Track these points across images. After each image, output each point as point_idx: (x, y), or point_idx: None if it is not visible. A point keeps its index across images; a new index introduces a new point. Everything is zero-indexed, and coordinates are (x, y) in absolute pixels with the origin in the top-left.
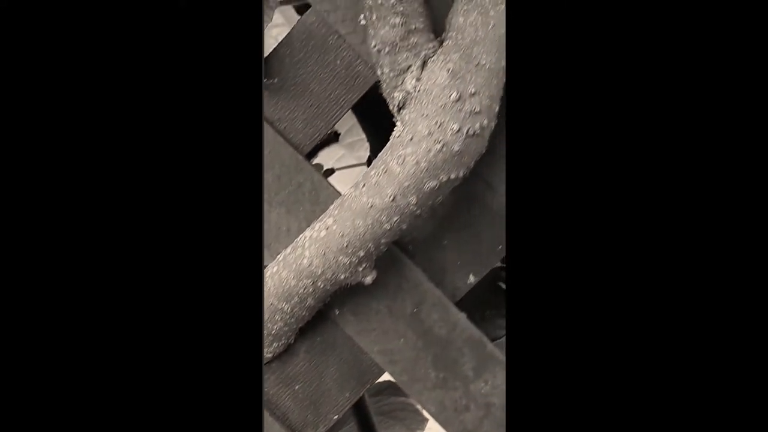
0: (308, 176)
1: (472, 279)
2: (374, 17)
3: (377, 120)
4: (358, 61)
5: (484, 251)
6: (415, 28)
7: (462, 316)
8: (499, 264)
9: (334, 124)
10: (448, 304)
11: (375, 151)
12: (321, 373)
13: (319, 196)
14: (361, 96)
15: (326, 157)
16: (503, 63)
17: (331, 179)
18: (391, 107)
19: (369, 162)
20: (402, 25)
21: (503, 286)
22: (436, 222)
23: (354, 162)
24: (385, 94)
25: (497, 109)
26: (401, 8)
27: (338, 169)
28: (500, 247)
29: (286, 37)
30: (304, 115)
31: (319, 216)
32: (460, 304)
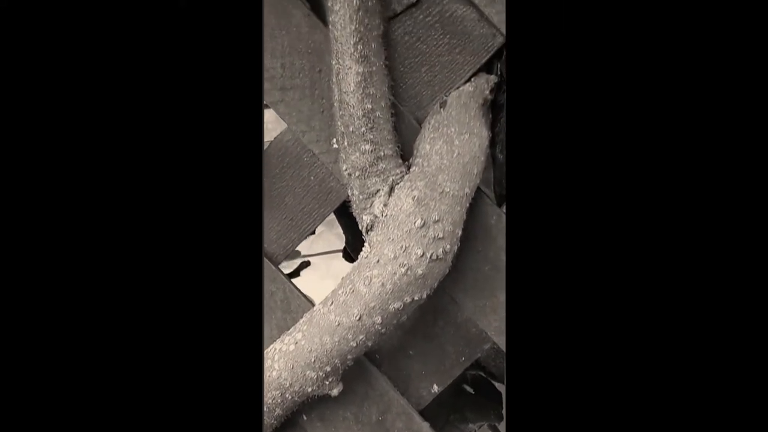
0: (280, 286)
1: (436, 389)
2: (346, 143)
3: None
4: (331, 177)
5: (449, 362)
6: (384, 155)
7: (425, 425)
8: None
9: (306, 236)
10: (413, 412)
11: (350, 244)
12: None
13: (291, 305)
14: (333, 210)
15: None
16: (466, 190)
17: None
18: (360, 227)
19: (344, 252)
20: (372, 152)
21: (468, 388)
22: (402, 333)
23: (329, 249)
24: (355, 214)
25: (459, 233)
26: (371, 136)
27: (314, 255)
28: (463, 359)
29: (263, 152)
30: (279, 226)
31: (290, 324)
32: (424, 413)
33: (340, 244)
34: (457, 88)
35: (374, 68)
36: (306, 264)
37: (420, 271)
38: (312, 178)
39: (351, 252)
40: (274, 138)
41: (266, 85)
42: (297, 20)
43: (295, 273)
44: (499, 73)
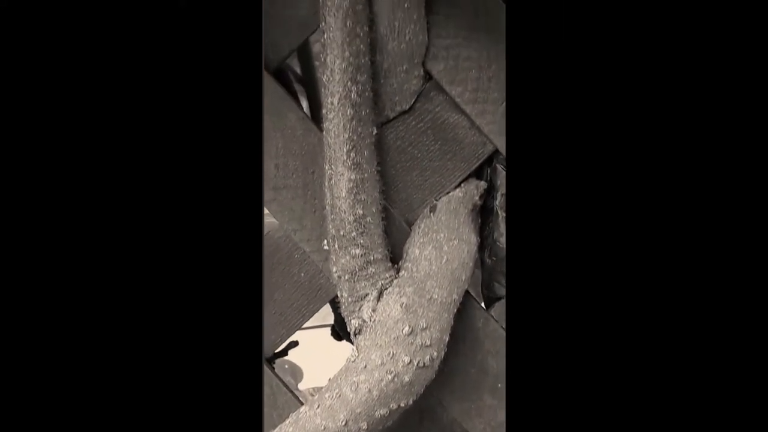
0: (268, 381)
1: None
2: (336, 246)
3: None
4: (321, 275)
5: None
6: (373, 259)
7: None
8: None
9: (296, 331)
10: None
11: (338, 324)
12: None
13: (277, 400)
14: (322, 306)
15: None
16: (454, 296)
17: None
18: (348, 330)
19: (332, 330)
20: (362, 256)
21: None
22: (388, 431)
23: (318, 323)
24: (344, 316)
25: (447, 339)
26: (362, 241)
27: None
28: None
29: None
30: (268, 321)
31: (277, 421)
32: None
33: (330, 316)
34: (448, 193)
35: (366, 175)
36: (294, 344)
37: (407, 378)
38: (302, 274)
39: (339, 331)
40: (266, 234)
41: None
42: (292, 123)
43: (283, 353)
44: (488, 179)
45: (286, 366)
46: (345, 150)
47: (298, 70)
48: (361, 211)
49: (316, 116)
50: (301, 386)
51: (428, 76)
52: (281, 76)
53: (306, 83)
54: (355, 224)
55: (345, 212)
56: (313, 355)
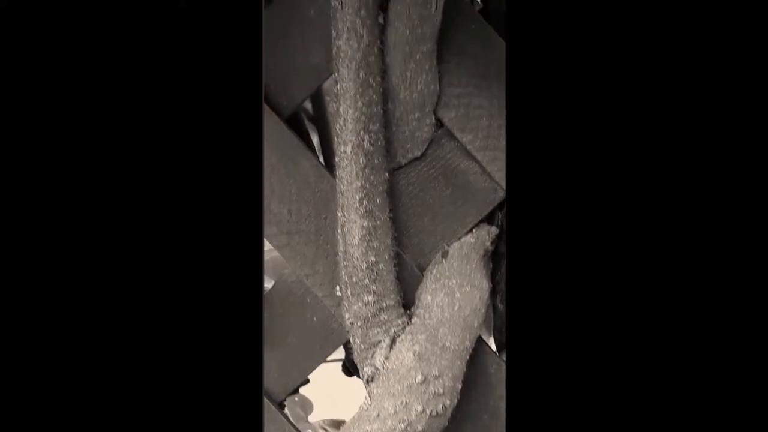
0: (280, 427)
1: None
2: (349, 292)
3: None
4: (333, 319)
5: None
6: (386, 306)
7: None
8: None
9: (308, 375)
10: None
11: (349, 360)
12: None
13: None
14: (335, 350)
15: None
16: (467, 343)
17: None
18: (361, 377)
19: (344, 366)
20: (374, 303)
21: None
22: None
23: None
24: (356, 362)
25: (459, 386)
26: (374, 288)
27: None
28: None
29: (267, 293)
30: (280, 365)
31: None
32: None
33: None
34: (459, 238)
35: (379, 222)
36: (305, 381)
37: (420, 428)
38: (315, 319)
39: (350, 367)
40: (279, 278)
41: (273, 229)
42: (305, 169)
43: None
44: (500, 224)
45: (296, 398)
46: (358, 198)
47: (310, 108)
48: (373, 258)
49: (328, 156)
50: (311, 419)
51: (440, 124)
52: (294, 123)
53: (318, 123)
54: (367, 271)
55: (357, 259)
56: (324, 388)
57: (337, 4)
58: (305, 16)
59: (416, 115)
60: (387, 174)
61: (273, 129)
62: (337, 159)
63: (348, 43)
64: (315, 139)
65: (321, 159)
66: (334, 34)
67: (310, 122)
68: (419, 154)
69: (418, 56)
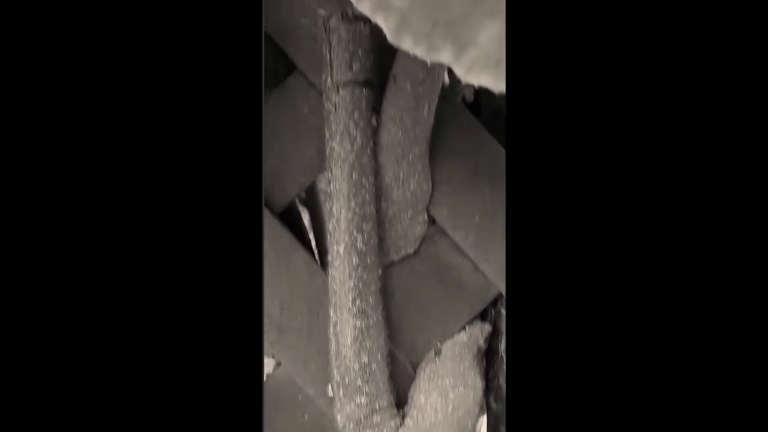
0: None
1: None
2: (341, 393)
3: None
4: (325, 417)
5: None
6: (378, 407)
7: None
8: None
9: None
10: None
11: None
12: None
13: None
14: None
15: None
16: None
17: None
18: None
19: None
20: (367, 405)
21: None
22: None
23: None
24: None
25: None
26: (367, 389)
27: None
28: None
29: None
30: None
31: None
32: None
33: None
34: (452, 336)
35: (372, 322)
36: None
37: None
38: (306, 417)
39: None
40: (269, 376)
41: (264, 325)
42: (298, 265)
43: None
44: (493, 322)
45: None
46: (350, 297)
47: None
48: (366, 359)
49: (321, 252)
50: None
51: (432, 221)
52: (288, 218)
53: (312, 219)
54: (360, 372)
55: (350, 360)
56: None
57: (331, 106)
58: (298, 113)
59: (409, 214)
60: (380, 271)
61: (266, 224)
62: (329, 258)
63: (341, 145)
64: (305, 217)
65: (316, 253)
66: (327, 135)
67: (303, 205)
68: (412, 251)
69: (410, 157)
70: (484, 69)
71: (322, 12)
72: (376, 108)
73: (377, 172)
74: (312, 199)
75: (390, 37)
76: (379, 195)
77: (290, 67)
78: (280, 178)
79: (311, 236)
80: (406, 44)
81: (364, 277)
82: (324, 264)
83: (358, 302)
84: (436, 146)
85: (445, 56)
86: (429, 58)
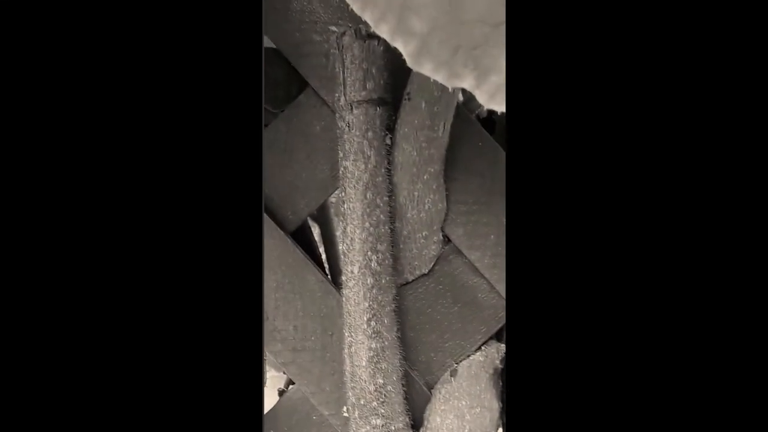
0: None
1: None
2: (356, 414)
3: None
4: None
5: None
6: (394, 429)
7: None
8: None
9: None
10: None
11: None
12: None
13: None
14: None
15: None
16: None
17: None
18: None
19: None
20: (382, 426)
21: None
22: None
23: None
24: None
25: None
26: (382, 410)
27: None
28: None
29: (271, 409)
30: None
31: None
32: None
33: None
34: (468, 356)
35: (387, 343)
36: None
37: None
38: None
39: None
40: (284, 396)
41: (278, 346)
42: (311, 285)
43: None
44: None
45: None
46: (365, 319)
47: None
48: (381, 380)
49: (334, 270)
50: None
51: (447, 240)
52: (300, 236)
53: (323, 236)
54: (375, 394)
55: (365, 381)
56: None
57: (344, 125)
58: (310, 132)
59: (424, 233)
60: (395, 291)
61: (278, 244)
62: (343, 278)
63: (355, 164)
64: (316, 231)
65: (327, 269)
66: (340, 154)
67: (313, 221)
68: (427, 270)
69: (425, 176)
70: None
71: (334, 29)
72: (390, 127)
73: (391, 191)
74: (323, 215)
75: (410, 63)
76: (393, 215)
77: (302, 85)
78: (292, 196)
79: (322, 251)
80: (427, 70)
81: (379, 297)
82: (337, 282)
83: (372, 323)
84: (451, 165)
85: (467, 83)
86: (450, 84)
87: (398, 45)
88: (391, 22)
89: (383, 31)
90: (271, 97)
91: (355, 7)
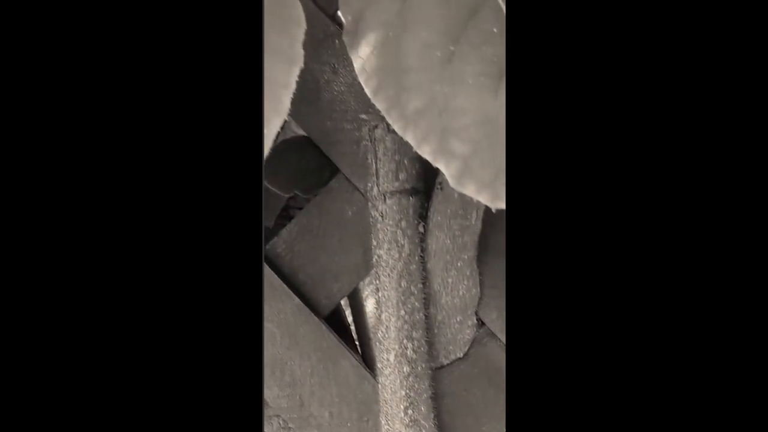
0: None
1: None
2: None
3: None
4: None
5: None
6: None
7: None
8: None
9: None
10: None
11: None
12: None
13: None
14: None
15: None
16: None
17: None
18: None
19: None
20: None
21: None
22: None
23: None
24: None
25: None
26: None
27: None
28: None
29: None
30: None
31: None
32: None
33: None
34: None
35: (424, 430)
36: None
37: None
38: None
39: None
40: None
41: None
42: (345, 371)
43: None
44: None
45: None
46: (402, 407)
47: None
48: None
49: (366, 354)
50: None
51: (481, 323)
52: (333, 320)
53: (356, 322)
54: None
55: None
56: None
57: (377, 214)
58: (342, 217)
59: (458, 318)
60: (431, 377)
61: (312, 329)
62: (379, 365)
63: (389, 253)
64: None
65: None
66: (374, 242)
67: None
68: (462, 354)
69: (459, 263)
70: None
71: (364, 117)
72: (422, 215)
73: (425, 278)
74: (354, 298)
75: (452, 183)
76: (427, 301)
77: (333, 171)
78: (325, 280)
79: (353, 332)
80: (469, 191)
81: (415, 385)
82: (370, 366)
83: (410, 412)
84: (484, 249)
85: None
86: (493, 205)
87: (440, 166)
88: (433, 143)
89: (425, 152)
90: (303, 183)
91: (397, 128)
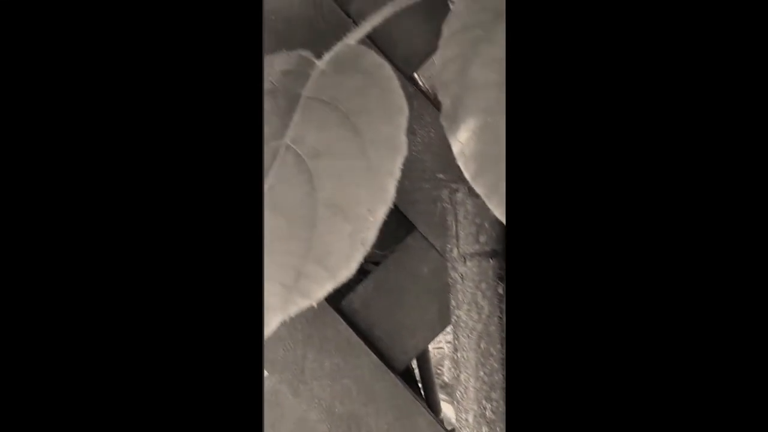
0: None
1: None
2: None
3: None
4: None
5: None
6: None
7: None
8: None
9: None
10: None
11: None
12: None
13: None
14: None
15: None
16: None
17: None
18: None
19: None
20: None
21: None
22: None
23: None
24: None
25: None
26: None
27: None
28: None
29: None
30: None
31: None
32: None
33: None
34: None
35: None
36: None
37: None
38: None
39: None
40: None
41: None
42: (422, 428)
43: None
44: None
45: None
46: None
47: None
48: None
49: (431, 402)
50: None
51: None
52: (406, 376)
53: (423, 378)
54: None
55: None
56: None
57: (457, 276)
58: (418, 274)
59: None
60: None
61: (387, 386)
62: (458, 425)
63: (469, 314)
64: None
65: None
66: (453, 303)
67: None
68: None
69: None
70: None
71: (441, 176)
72: (501, 276)
73: (504, 339)
74: (422, 356)
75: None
76: (506, 362)
77: (408, 229)
78: (401, 336)
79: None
80: None
81: None
82: (435, 412)
83: None
84: None
85: None
86: None
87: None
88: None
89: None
90: (379, 240)
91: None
